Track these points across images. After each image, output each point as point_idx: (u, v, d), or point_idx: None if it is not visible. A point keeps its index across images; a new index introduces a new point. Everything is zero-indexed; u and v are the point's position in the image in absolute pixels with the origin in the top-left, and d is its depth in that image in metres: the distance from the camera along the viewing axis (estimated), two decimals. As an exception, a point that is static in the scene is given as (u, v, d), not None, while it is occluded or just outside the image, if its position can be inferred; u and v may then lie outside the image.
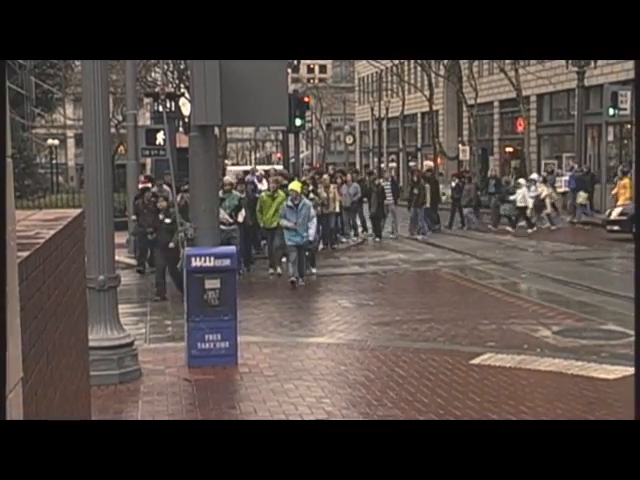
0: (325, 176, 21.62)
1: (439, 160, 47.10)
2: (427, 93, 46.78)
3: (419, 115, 55.01)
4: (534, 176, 28.66)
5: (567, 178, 29.72)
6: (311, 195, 16.50)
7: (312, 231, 14.64)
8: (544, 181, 27.43)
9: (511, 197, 25.71)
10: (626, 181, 25.37)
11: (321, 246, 19.35)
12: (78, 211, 5.02)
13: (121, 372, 7.92)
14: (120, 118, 40.59)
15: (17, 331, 1.79)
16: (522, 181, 26.61)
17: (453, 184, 28.46)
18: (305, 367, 8.56)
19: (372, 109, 57.58)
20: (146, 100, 36.56)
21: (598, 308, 12.21)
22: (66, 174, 64.48)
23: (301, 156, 42.63)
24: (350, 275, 16.60)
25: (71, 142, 66.38)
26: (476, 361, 8.76)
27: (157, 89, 26.55)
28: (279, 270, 16.04)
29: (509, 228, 25.40)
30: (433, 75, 46.51)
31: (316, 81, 63.60)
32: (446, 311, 12.27)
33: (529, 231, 24.78)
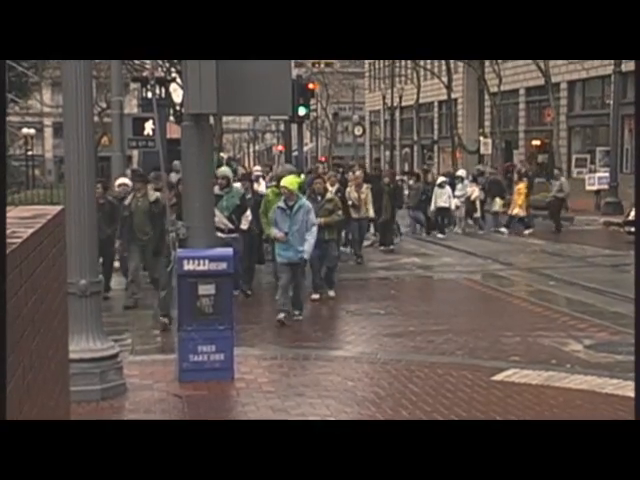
0: (358, 173, 20.02)
1: (458, 154, 47.15)
2: (445, 80, 46.86)
3: (436, 104, 55.12)
4: (461, 172, 28.15)
5: (603, 175, 29.75)
6: (329, 195, 14.26)
7: (310, 243, 11.98)
8: (474, 180, 27.25)
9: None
10: (521, 186, 25.45)
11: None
12: (58, 208, 5.04)
13: (104, 387, 7.93)
14: (104, 105, 40.75)
15: None
16: (443, 179, 26.02)
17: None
18: (308, 382, 8.57)
19: (384, 97, 57.68)
20: (133, 85, 36.68)
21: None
22: (43, 167, 64.66)
23: (305, 149, 42.74)
24: (359, 281, 16.60)
25: (49, 131, 66.61)
26: (498, 377, 8.76)
27: (145, 73, 26.65)
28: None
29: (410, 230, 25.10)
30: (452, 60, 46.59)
31: (322, 66, 63.66)
32: (465, 321, 12.28)
33: (439, 236, 24.48)
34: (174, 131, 24.60)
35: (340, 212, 14.12)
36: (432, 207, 24.66)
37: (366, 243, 21.67)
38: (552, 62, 35.44)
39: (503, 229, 25.42)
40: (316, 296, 13.74)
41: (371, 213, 19.12)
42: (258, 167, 18.74)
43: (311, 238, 11.94)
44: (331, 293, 14.10)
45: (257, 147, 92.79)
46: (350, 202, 18.13)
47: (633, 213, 23.17)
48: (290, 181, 12.15)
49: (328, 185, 16.62)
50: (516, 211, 25.46)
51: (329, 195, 14.19)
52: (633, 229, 22.17)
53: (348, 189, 18.72)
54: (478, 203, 26.18)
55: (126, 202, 13.54)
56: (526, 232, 25.20)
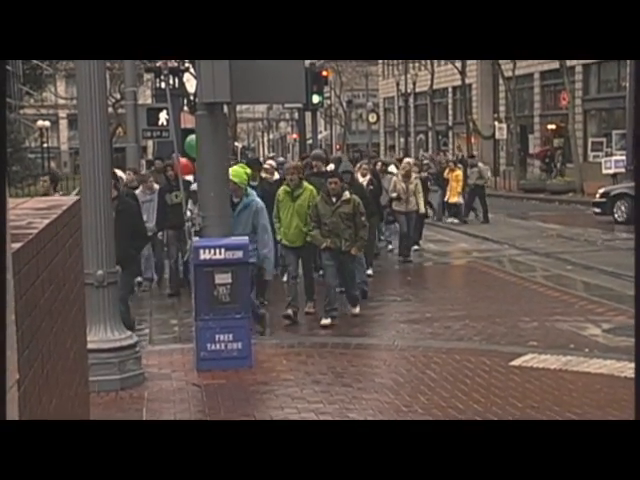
0: (407, 160, 18.08)
1: (473, 140, 46.98)
2: (459, 65, 46.63)
3: (450, 90, 54.89)
4: (409, 160, 26.13)
5: (619, 158, 29.59)
6: (345, 196, 11.25)
7: (265, 255, 10.06)
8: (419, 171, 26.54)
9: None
10: (458, 173, 24.96)
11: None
12: (74, 199, 5.06)
13: (123, 377, 7.97)
14: (118, 96, 40.83)
15: (12, 329, 1.81)
16: (392, 168, 24.56)
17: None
18: (326, 370, 8.57)
19: (397, 84, 57.50)
20: (147, 76, 36.73)
21: (653, 303, 12.14)
22: (59, 159, 64.87)
23: (319, 136, 42.68)
24: (375, 267, 16.57)
25: (64, 123, 66.81)
26: (517, 362, 8.74)
27: (159, 63, 26.67)
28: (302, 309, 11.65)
29: None
30: (466, 44, 46.39)
31: (335, 53, 63.51)
32: (482, 307, 12.25)
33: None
34: (188, 121, 24.60)
35: (363, 218, 11.30)
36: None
37: (390, 247, 18.66)
38: (567, 45, 35.26)
39: (450, 219, 24.97)
40: (326, 321, 11.00)
41: (422, 207, 17.03)
42: (272, 162, 17.33)
43: (264, 249, 10.03)
44: (355, 310, 11.65)
45: (271, 136, 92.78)
46: (395, 194, 16.46)
47: (597, 194, 24.53)
48: (237, 172, 10.02)
49: (359, 175, 15.10)
50: (455, 199, 24.86)
51: (346, 195, 11.28)
52: (597, 210, 23.99)
53: (394, 179, 16.76)
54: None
55: None
56: (449, 220, 24.80)
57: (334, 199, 11.23)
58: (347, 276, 11.50)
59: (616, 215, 23.58)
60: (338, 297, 11.60)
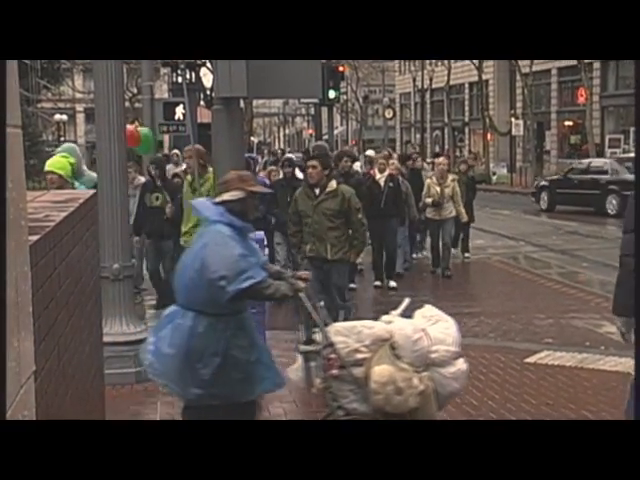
0: (441, 159, 15.39)
1: (489, 136, 46.84)
2: (476, 61, 46.47)
3: (467, 85, 54.73)
4: (370, 152, 20.34)
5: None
6: (332, 185, 9.08)
7: None
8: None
9: None
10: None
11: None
12: (91, 192, 5.08)
13: (138, 370, 7.96)
14: (135, 91, 40.93)
15: (29, 320, 1.81)
16: (357, 165, 18.19)
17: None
18: (340, 366, 8.56)
19: (414, 79, 57.35)
20: (163, 70, 36.71)
21: (669, 301, 12.08)
22: (75, 153, 64.98)
23: (335, 132, 42.65)
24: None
25: (81, 117, 66.97)
26: (532, 359, 8.72)
27: (175, 58, 26.78)
28: None
29: None
30: (483, 40, 46.16)
31: (351, 48, 63.15)
32: (497, 304, 12.22)
33: None
34: (205, 115, 24.64)
35: (360, 215, 9.13)
36: None
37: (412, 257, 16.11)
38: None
39: None
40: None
41: (462, 213, 14.61)
42: (292, 155, 16.17)
43: None
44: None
45: (287, 131, 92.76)
46: (430, 199, 14.38)
47: (534, 186, 29.15)
48: (60, 163, 8.46)
49: (376, 171, 13.30)
50: None
51: (332, 185, 9.07)
52: (534, 199, 28.16)
53: (428, 181, 14.62)
54: None
55: None
56: None
57: (317, 191, 9.10)
58: (336, 292, 9.23)
59: (541, 203, 27.71)
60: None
